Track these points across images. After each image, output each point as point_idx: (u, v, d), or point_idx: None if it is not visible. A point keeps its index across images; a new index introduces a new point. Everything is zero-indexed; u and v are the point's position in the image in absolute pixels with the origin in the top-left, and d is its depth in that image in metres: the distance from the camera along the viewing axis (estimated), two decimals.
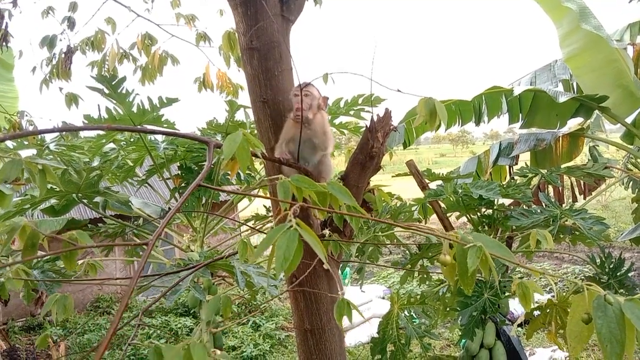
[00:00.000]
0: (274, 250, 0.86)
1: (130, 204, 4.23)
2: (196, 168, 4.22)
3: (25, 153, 3.98)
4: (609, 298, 0.92)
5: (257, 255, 0.93)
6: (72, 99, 3.30)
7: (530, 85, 5.03)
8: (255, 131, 2.11)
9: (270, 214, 4.40)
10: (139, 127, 3.24)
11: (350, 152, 2.13)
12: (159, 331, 8.55)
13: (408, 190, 5.08)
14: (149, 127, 3.86)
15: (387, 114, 1.76)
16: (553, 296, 3.17)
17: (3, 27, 2.98)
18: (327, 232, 1.73)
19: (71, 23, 3.40)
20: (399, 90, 1.30)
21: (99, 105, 3.09)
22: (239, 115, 3.97)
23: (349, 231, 1.85)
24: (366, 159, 1.77)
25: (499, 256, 0.95)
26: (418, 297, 3.54)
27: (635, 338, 0.89)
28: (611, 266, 3.44)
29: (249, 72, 1.83)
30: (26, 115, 3.32)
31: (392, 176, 4.45)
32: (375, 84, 1.57)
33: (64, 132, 3.20)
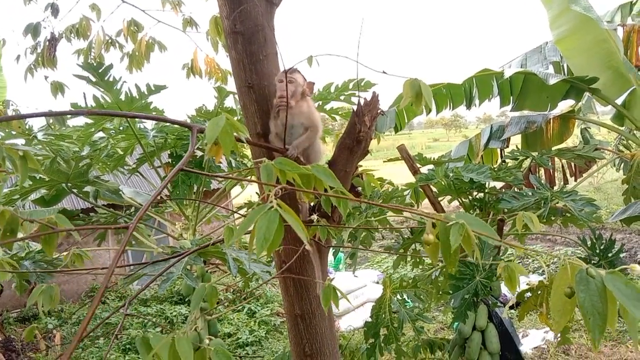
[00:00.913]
0: (255, 231, 0.85)
1: (121, 192, 4.21)
2: None
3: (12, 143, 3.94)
4: (591, 271, 0.92)
5: (238, 236, 0.92)
6: (57, 88, 3.26)
7: (521, 67, 5.01)
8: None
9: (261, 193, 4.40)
10: (122, 112, 3.21)
11: (338, 137, 2.13)
12: (154, 320, 8.57)
13: (400, 175, 5.08)
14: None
15: (375, 97, 1.74)
16: (545, 278, 3.19)
17: None
18: (315, 217, 1.72)
19: (55, 10, 3.34)
20: (384, 72, 1.29)
21: (84, 93, 3.04)
22: (229, 102, 3.95)
23: (337, 216, 1.84)
24: (353, 143, 1.76)
25: (482, 233, 0.94)
26: (410, 281, 3.55)
27: (617, 310, 0.90)
28: (602, 247, 3.46)
29: (233, 57, 1.81)
30: (12, 105, 3.28)
31: (384, 161, 4.45)
32: (362, 66, 1.56)
33: (51, 121, 3.16)
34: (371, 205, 3.46)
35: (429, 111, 4.73)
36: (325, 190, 1.16)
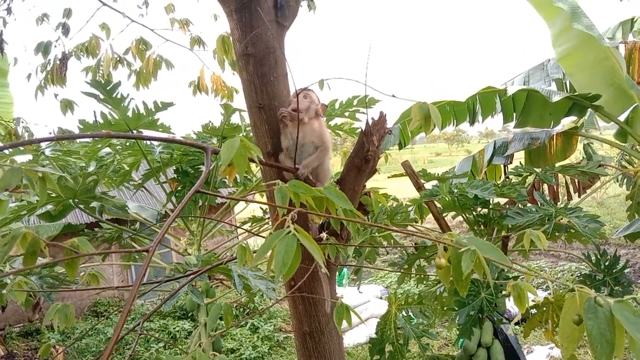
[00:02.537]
0: (273, 255, 0.87)
1: (126, 208, 4.23)
2: (192, 171, 4.22)
3: (20, 159, 3.97)
4: (599, 300, 0.94)
5: (257, 261, 0.94)
6: (67, 105, 3.31)
7: (524, 84, 5.05)
8: (251, 134, 2.13)
9: (267, 216, 4.42)
10: (136, 134, 3.24)
11: (346, 155, 2.15)
12: (157, 335, 8.54)
13: (404, 190, 5.10)
14: (145, 132, 3.87)
15: (382, 117, 1.77)
16: (550, 294, 3.19)
17: None
18: (324, 235, 1.75)
19: (65, 29, 3.39)
20: (393, 96, 1.32)
21: (94, 111, 3.08)
22: (234, 119, 3.98)
23: (346, 234, 1.86)
24: (362, 162, 1.79)
25: (493, 260, 0.96)
26: (415, 297, 3.56)
27: (624, 339, 0.91)
28: (607, 263, 3.47)
29: (244, 78, 1.84)
30: (22, 122, 3.32)
31: (388, 177, 4.47)
32: (370, 89, 1.59)
33: (59, 135, 3.19)
34: (376, 221, 3.48)
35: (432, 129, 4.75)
36: (336, 210, 1.19)
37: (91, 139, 3.96)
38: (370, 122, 1.76)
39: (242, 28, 1.75)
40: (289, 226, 0.91)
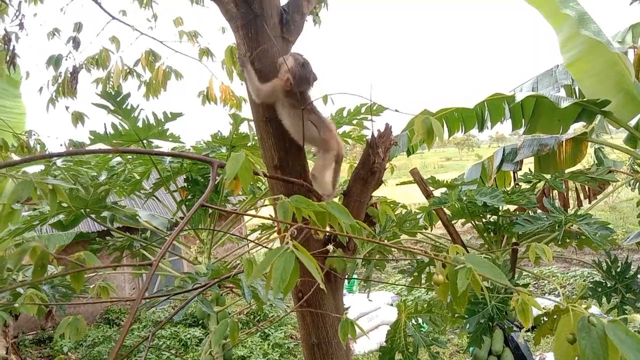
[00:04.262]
0: (272, 272, 0.89)
1: (137, 217, 4.28)
2: (202, 180, 4.26)
3: (32, 169, 4.04)
4: (592, 320, 0.94)
5: (256, 277, 0.96)
6: (78, 117, 3.36)
7: (532, 90, 5.04)
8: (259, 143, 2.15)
9: (276, 224, 4.44)
10: (145, 146, 3.29)
11: (352, 166, 2.16)
12: (168, 342, 8.58)
13: (413, 195, 5.10)
14: (155, 142, 3.92)
15: (388, 129, 1.78)
16: (561, 300, 3.17)
17: (10, 49, 3.04)
18: (330, 247, 1.76)
19: (76, 43, 3.45)
20: (396, 110, 1.33)
21: (105, 124, 3.14)
22: (243, 127, 4.02)
23: (352, 245, 1.87)
24: (368, 174, 1.80)
25: (491, 278, 0.97)
26: (425, 305, 3.55)
27: (619, 359, 0.91)
28: (618, 270, 3.44)
29: (252, 100, 1.87)
30: (34, 135, 3.38)
31: (397, 184, 4.47)
32: (375, 94, 1.60)
33: (72, 148, 3.25)
34: (384, 230, 3.49)
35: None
36: (339, 224, 1.20)
37: (101, 147, 4.01)
38: (375, 134, 1.78)
39: (249, 43, 1.77)
40: (287, 243, 0.92)
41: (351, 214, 1.43)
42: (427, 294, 8.61)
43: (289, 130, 1.84)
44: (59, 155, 1.83)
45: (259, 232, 4.92)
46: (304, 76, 1.80)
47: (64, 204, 3.74)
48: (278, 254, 0.90)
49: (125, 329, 0.96)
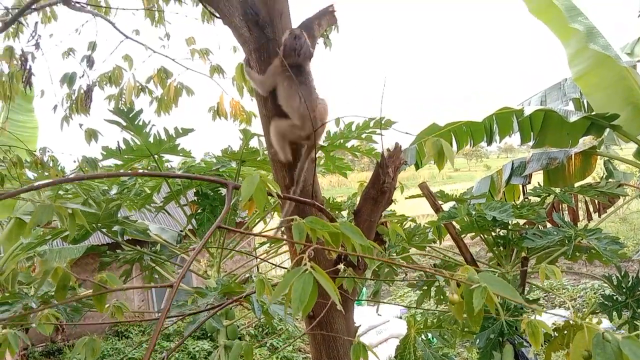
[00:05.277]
0: (291, 293, 0.91)
1: (148, 232, 4.31)
2: (212, 194, 4.29)
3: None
4: (607, 336, 0.95)
5: (274, 299, 0.98)
6: (91, 135, 3.42)
7: (541, 104, 5.05)
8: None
9: (285, 235, 4.46)
10: (162, 172, 3.36)
11: (362, 186, 2.18)
12: (177, 355, 8.58)
13: (421, 207, 5.09)
14: (166, 156, 3.98)
15: (397, 148, 1.81)
16: (570, 312, 3.16)
17: (27, 69, 3.11)
18: (341, 266, 1.78)
19: (90, 62, 3.52)
20: (407, 133, 1.36)
21: (118, 142, 3.20)
22: (253, 142, 4.05)
23: (363, 265, 1.89)
24: (378, 194, 1.82)
25: (506, 297, 0.98)
26: (435, 320, 3.55)
27: None
28: (628, 285, 3.43)
29: (263, 114, 1.90)
30: (48, 151, 3.44)
31: (406, 198, 4.48)
32: (384, 124, 1.63)
33: (85, 165, 3.30)
34: (394, 244, 3.50)
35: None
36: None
37: (113, 163, 4.06)
38: (385, 154, 1.80)
39: (261, 66, 1.81)
40: (305, 264, 0.94)
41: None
42: (436, 307, 8.57)
43: (282, 104, 1.89)
44: (79, 179, 1.87)
45: (268, 244, 4.94)
46: (292, 47, 1.84)
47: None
48: (297, 275, 0.93)
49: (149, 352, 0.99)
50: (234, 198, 3.27)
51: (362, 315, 8.75)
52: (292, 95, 1.83)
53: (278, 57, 1.83)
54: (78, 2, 2.85)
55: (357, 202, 1.91)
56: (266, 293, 1.31)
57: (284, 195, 1.78)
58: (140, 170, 4.07)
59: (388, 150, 1.81)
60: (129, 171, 3.16)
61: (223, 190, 4.31)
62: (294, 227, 1.14)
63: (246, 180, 1.20)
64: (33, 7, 2.34)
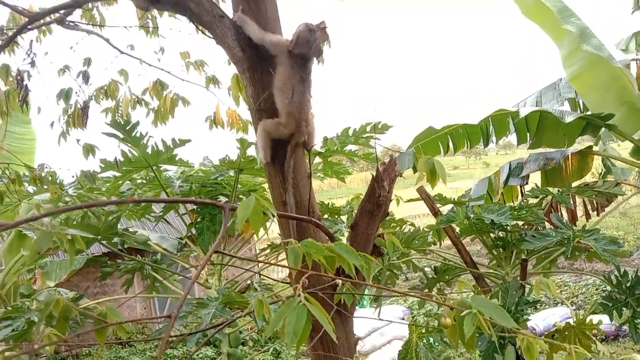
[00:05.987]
0: (285, 326, 0.93)
1: (148, 242, 4.33)
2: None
3: (43, 197, 4.10)
4: None
5: (269, 333, 0.99)
6: (89, 150, 3.44)
7: (537, 104, 5.07)
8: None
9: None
10: (163, 197, 3.41)
11: (358, 199, 2.20)
12: None
13: (421, 206, 5.09)
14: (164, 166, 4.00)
15: (392, 162, 1.82)
16: (575, 310, 3.18)
17: (23, 87, 3.13)
18: (339, 282, 1.79)
19: (86, 77, 3.54)
20: (399, 151, 1.37)
21: (115, 157, 3.22)
22: (250, 151, 4.07)
23: (361, 278, 1.90)
24: (374, 207, 1.84)
25: (497, 321, 1.00)
26: (436, 322, 3.56)
27: None
28: (628, 284, 3.45)
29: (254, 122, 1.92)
30: (46, 167, 3.45)
31: (404, 201, 4.50)
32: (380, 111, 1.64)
33: (83, 179, 3.32)
34: (394, 250, 3.51)
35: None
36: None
37: (111, 175, 4.08)
38: (380, 168, 1.82)
39: (254, 85, 1.83)
40: (299, 295, 0.96)
41: (359, 247, 1.47)
42: (438, 308, 8.56)
43: (273, 90, 1.91)
44: (86, 207, 1.90)
45: (268, 250, 4.96)
46: (306, 38, 1.91)
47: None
48: (290, 307, 0.94)
49: None
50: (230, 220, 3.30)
51: (365, 316, 8.74)
52: (287, 88, 1.87)
53: (287, 40, 1.91)
54: (72, 22, 2.86)
55: (355, 215, 1.93)
56: (265, 312, 1.32)
57: (280, 214, 1.80)
58: (138, 179, 4.08)
59: (383, 163, 1.83)
60: (127, 198, 3.20)
61: (222, 200, 4.33)
62: (289, 251, 1.15)
63: (242, 203, 1.22)
64: (28, 27, 2.36)
